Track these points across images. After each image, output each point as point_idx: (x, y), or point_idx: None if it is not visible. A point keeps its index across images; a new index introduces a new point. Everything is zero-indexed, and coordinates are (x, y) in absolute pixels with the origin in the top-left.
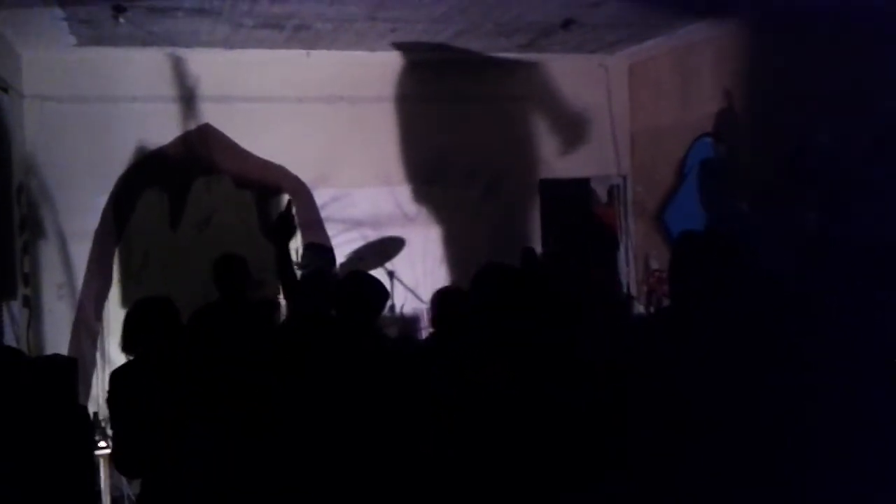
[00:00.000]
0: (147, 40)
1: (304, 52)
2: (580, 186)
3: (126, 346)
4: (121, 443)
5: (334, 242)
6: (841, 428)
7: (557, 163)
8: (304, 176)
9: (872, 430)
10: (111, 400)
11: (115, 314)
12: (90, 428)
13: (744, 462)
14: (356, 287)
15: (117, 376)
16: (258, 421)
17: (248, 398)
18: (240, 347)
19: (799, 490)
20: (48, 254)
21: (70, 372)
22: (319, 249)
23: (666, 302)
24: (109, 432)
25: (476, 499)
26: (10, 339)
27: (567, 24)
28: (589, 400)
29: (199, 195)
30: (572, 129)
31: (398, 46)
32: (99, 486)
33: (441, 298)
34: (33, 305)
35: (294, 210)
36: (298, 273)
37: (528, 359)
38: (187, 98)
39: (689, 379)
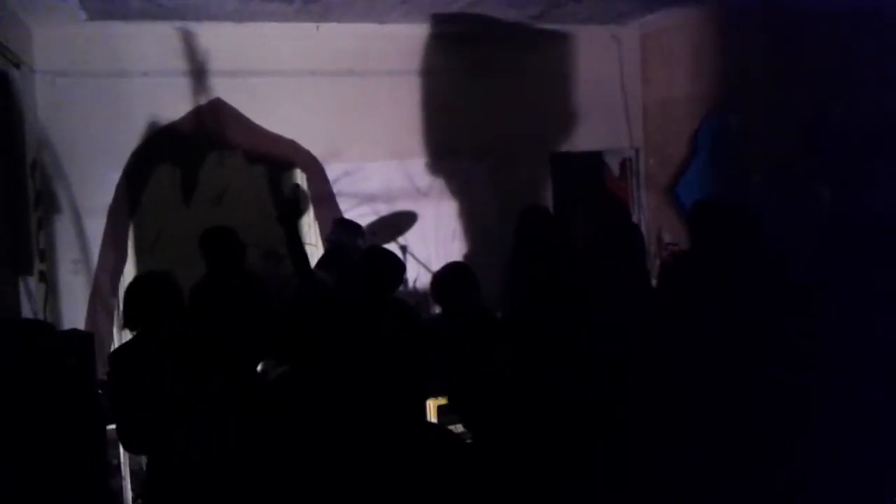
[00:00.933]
0: (157, 14)
1: (313, 25)
2: (592, 160)
3: (128, 322)
4: (124, 421)
5: (347, 217)
6: (842, 421)
7: (569, 136)
8: (316, 150)
9: (873, 426)
10: (113, 379)
11: None
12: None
13: (744, 453)
14: (373, 263)
15: (118, 355)
16: (258, 398)
17: (244, 376)
18: (233, 325)
19: (799, 484)
20: (63, 229)
21: (87, 346)
22: (349, 226)
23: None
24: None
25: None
26: (27, 314)
27: None
28: (594, 392)
29: (211, 170)
30: (584, 102)
31: (408, 19)
32: (118, 458)
33: (443, 277)
34: (49, 281)
35: (300, 192)
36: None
37: (533, 346)
38: (198, 72)
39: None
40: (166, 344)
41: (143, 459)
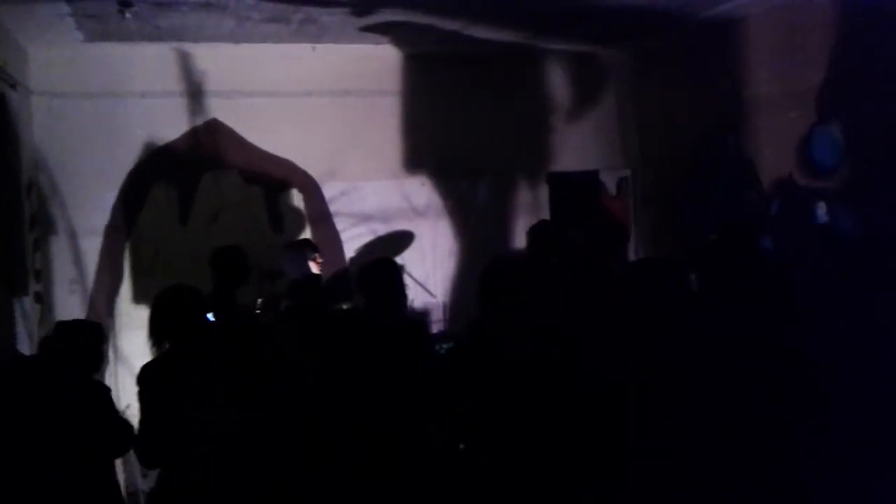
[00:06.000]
0: (154, 35)
1: (310, 45)
2: (589, 178)
3: (154, 336)
4: (147, 435)
5: (344, 237)
6: (844, 428)
7: (566, 155)
8: (312, 170)
9: (875, 429)
10: (141, 393)
11: (125, 309)
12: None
13: (749, 457)
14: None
15: (147, 370)
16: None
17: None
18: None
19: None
20: (59, 250)
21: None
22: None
23: None
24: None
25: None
26: (21, 335)
27: (570, 15)
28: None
29: (207, 190)
30: (580, 122)
31: (403, 40)
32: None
33: (492, 270)
34: (45, 301)
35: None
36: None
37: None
38: (195, 93)
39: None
40: (193, 359)
41: (139, 482)
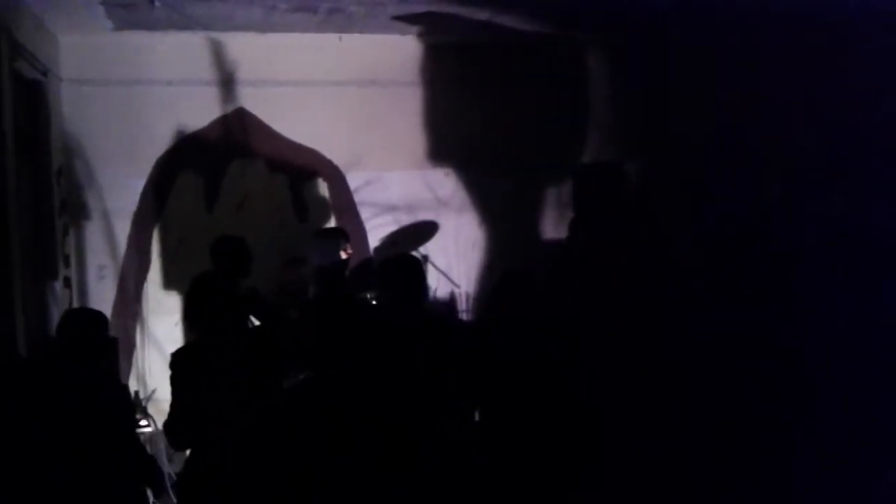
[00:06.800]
0: (183, 24)
1: (336, 35)
2: (613, 169)
3: (188, 322)
4: (178, 418)
5: (368, 226)
6: (841, 428)
7: (592, 146)
8: (338, 160)
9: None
10: (174, 378)
11: (154, 295)
12: (132, 406)
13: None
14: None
15: (179, 355)
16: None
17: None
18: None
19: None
20: (89, 235)
21: (112, 350)
22: (329, 235)
23: None
24: (151, 411)
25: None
26: (53, 320)
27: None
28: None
29: (234, 178)
30: (606, 111)
31: (430, 29)
32: None
33: (506, 280)
34: (76, 286)
35: None
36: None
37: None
38: (224, 82)
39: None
40: (224, 344)
41: (166, 465)
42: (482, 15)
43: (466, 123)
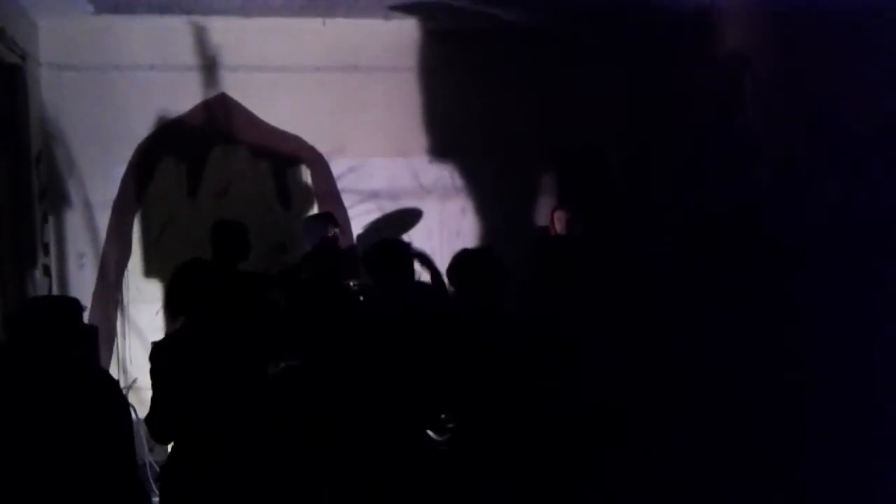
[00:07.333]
0: (164, 8)
1: (320, 20)
2: (597, 158)
3: (170, 311)
4: (160, 410)
5: (351, 213)
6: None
7: (575, 134)
8: (321, 146)
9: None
10: (154, 370)
11: (134, 282)
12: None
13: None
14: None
15: (160, 346)
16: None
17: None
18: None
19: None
20: (69, 223)
21: (92, 339)
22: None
23: None
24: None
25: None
26: None
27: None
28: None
29: (216, 164)
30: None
31: (415, 15)
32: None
33: (461, 260)
34: (55, 275)
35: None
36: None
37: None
38: (205, 67)
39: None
40: (206, 334)
41: (147, 455)
42: (464, 2)
43: (450, 110)
